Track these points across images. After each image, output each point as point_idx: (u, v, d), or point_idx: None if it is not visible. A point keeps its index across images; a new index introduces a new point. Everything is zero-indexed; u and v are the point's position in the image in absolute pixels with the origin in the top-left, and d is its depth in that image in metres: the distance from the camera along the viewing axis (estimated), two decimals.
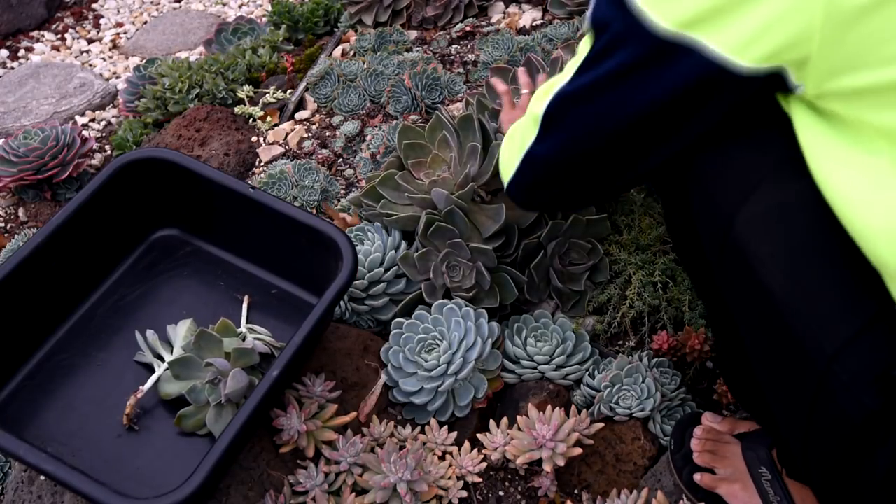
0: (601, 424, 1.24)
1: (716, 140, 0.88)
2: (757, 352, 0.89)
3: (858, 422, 0.76)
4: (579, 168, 0.96)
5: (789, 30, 0.72)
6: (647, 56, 0.79)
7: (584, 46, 0.89)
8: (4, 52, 2.50)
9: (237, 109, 1.90)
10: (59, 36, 2.61)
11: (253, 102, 1.93)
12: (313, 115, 1.86)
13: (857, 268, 0.76)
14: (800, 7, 0.71)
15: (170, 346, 1.27)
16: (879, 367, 0.74)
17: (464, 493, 1.21)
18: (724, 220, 0.84)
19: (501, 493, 1.24)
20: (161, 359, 1.26)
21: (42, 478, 1.21)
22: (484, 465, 1.23)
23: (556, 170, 0.98)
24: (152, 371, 1.24)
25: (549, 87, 0.94)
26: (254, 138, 1.84)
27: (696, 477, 1.16)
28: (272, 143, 1.82)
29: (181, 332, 1.27)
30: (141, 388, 1.21)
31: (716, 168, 0.87)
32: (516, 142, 1.03)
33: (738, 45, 0.74)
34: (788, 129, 0.81)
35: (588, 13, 0.86)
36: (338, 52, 2.02)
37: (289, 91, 1.95)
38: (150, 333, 1.28)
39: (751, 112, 0.85)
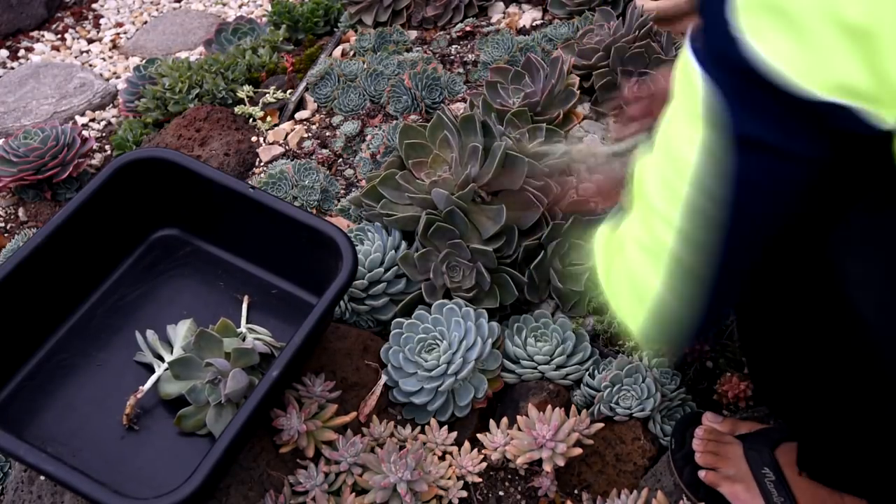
0: (601, 424, 1.24)
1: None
2: (820, 362, 0.87)
3: None
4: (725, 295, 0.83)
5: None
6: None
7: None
8: (4, 52, 2.50)
9: (237, 109, 1.90)
10: (59, 36, 2.61)
11: (253, 102, 1.93)
12: (313, 115, 1.86)
13: None
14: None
15: (170, 346, 1.27)
16: None
17: (464, 493, 1.21)
18: (817, 232, 0.80)
19: (501, 493, 1.24)
20: (161, 359, 1.26)
21: (42, 478, 1.21)
22: (484, 465, 1.23)
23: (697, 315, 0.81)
24: (152, 371, 1.24)
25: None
26: (254, 138, 1.84)
27: (701, 473, 1.16)
28: (272, 143, 1.82)
29: (181, 332, 1.27)
30: (141, 388, 1.21)
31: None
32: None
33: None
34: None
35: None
36: (338, 52, 2.02)
37: (289, 91, 1.95)
38: (149, 333, 1.28)
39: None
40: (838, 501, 1.09)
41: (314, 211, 1.60)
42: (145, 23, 2.63)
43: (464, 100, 1.77)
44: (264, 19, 2.31)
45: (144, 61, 2.20)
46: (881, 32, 0.59)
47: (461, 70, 1.88)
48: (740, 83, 0.67)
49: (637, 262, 0.82)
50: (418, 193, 1.40)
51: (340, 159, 1.74)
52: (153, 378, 1.23)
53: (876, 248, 0.77)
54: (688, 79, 0.72)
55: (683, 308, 0.79)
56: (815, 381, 0.91)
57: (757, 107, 0.68)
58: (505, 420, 1.26)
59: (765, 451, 1.14)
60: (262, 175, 1.68)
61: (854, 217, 0.78)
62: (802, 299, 0.87)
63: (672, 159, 0.75)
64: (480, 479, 1.23)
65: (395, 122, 1.73)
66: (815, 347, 0.88)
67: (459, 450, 1.24)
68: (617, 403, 1.28)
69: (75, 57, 2.50)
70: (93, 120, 2.18)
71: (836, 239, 0.79)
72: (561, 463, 1.17)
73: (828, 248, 0.80)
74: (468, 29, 1.98)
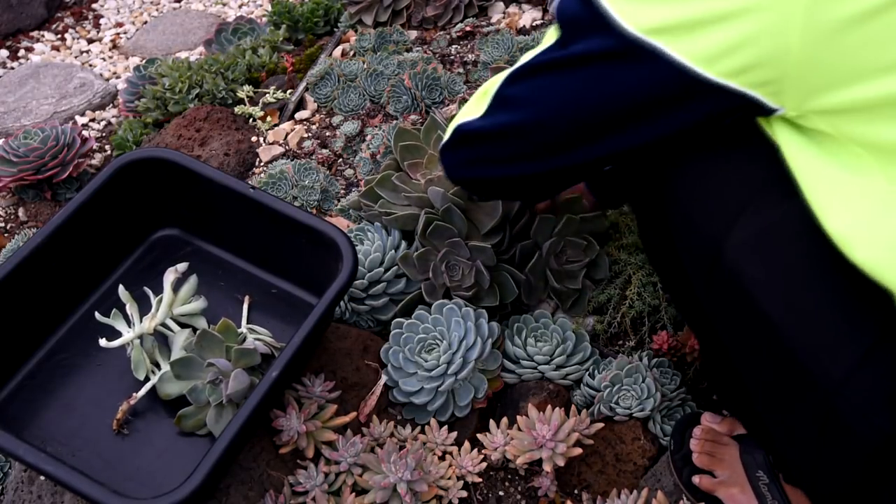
0: (601, 424, 1.24)
1: (691, 159, 0.86)
2: (753, 376, 0.88)
3: (874, 445, 0.75)
4: (516, 145, 0.94)
5: (761, 51, 0.72)
6: (614, 50, 0.80)
7: (550, 37, 0.89)
8: (4, 52, 2.50)
9: (237, 109, 1.90)
10: (59, 36, 2.61)
11: (253, 102, 1.93)
12: (313, 115, 1.86)
13: (856, 288, 0.74)
14: (773, 31, 0.70)
15: (168, 349, 1.27)
16: (892, 388, 0.73)
17: (464, 493, 1.21)
18: (712, 245, 0.83)
19: (501, 493, 1.24)
20: (158, 366, 1.25)
21: (42, 478, 1.21)
22: (484, 465, 1.23)
23: (490, 144, 0.97)
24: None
25: (510, 70, 0.94)
26: (254, 138, 1.84)
27: (696, 479, 1.16)
28: (272, 143, 1.82)
29: (179, 340, 1.26)
30: (135, 394, 1.21)
31: (696, 190, 0.86)
32: (457, 116, 1.02)
33: (705, 57, 0.75)
34: (770, 150, 0.80)
35: (553, 5, 0.86)
36: (338, 52, 2.02)
37: (289, 91, 1.95)
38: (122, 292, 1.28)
39: (728, 134, 0.84)
40: None
41: (314, 211, 1.61)
42: (145, 23, 2.63)
43: (464, 100, 1.77)
44: (264, 19, 2.31)
45: (144, 61, 2.20)
46: None
47: (461, 70, 1.88)
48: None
49: (473, 98, 1.01)
50: (415, 193, 1.40)
51: (340, 159, 1.74)
52: (148, 385, 1.22)
53: (773, 249, 0.79)
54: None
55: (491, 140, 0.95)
56: (748, 388, 0.91)
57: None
58: (505, 420, 1.26)
59: (759, 454, 1.14)
60: (262, 175, 1.68)
61: (747, 219, 0.81)
62: (712, 304, 0.89)
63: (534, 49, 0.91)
64: (480, 479, 1.23)
65: (395, 122, 1.73)
66: (737, 353, 0.88)
67: (459, 450, 1.24)
68: (617, 403, 1.28)
69: (75, 57, 2.50)
70: (93, 120, 2.18)
71: (732, 244, 0.81)
72: (561, 463, 1.17)
73: (724, 256, 0.81)
74: (468, 29, 1.98)
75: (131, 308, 1.26)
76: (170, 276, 1.28)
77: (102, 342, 1.22)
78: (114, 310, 1.26)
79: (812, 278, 0.77)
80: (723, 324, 0.89)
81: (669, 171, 0.89)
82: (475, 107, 0.98)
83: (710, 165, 0.85)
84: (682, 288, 0.99)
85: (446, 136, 1.03)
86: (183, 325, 1.28)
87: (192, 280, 1.30)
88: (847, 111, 0.72)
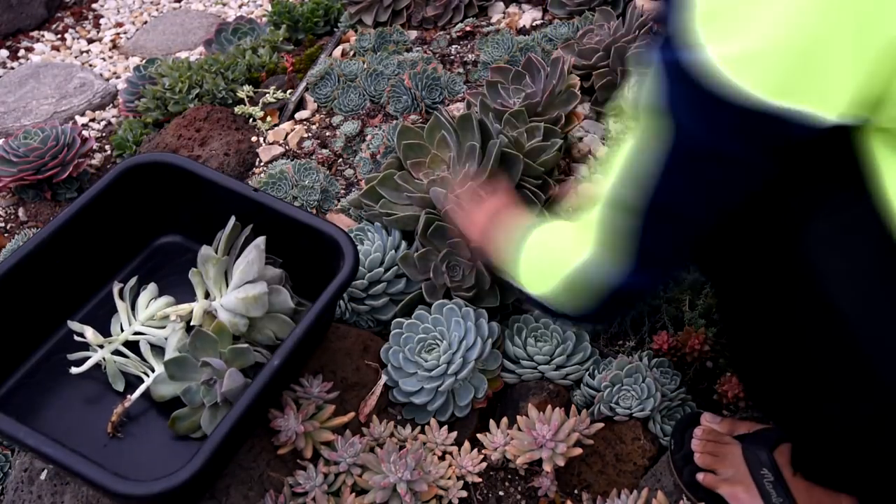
0: (601, 424, 1.24)
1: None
2: (802, 362, 0.88)
3: None
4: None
5: (873, 89, 0.70)
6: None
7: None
8: (4, 52, 2.50)
9: (237, 109, 1.90)
10: (59, 36, 2.61)
11: (253, 102, 1.93)
12: (313, 115, 1.86)
13: None
14: (873, 68, 0.69)
15: (161, 351, 1.27)
16: None
17: (464, 493, 1.21)
18: (790, 231, 0.83)
19: (501, 493, 1.24)
20: (152, 369, 1.25)
21: (42, 477, 1.21)
22: (484, 465, 1.23)
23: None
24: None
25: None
26: (254, 138, 1.84)
27: (699, 476, 1.16)
28: (272, 143, 1.82)
29: (173, 341, 1.26)
30: (129, 396, 1.21)
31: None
32: (561, 268, 0.94)
33: (832, 106, 0.71)
34: (846, 148, 0.79)
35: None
36: (338, 52, 2.02)
37: (289, 91, 1.95)
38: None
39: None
40: (836, 502, 1.09)
41: (314, 211, 1.60)
42: (145, 23, 2.63)
43: (463, 100, 1.77)
44: (264, 19, 2.31)
45: (144, 61, 2.20)
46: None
47: (461, 70, 1.88)
48: (689, 90, 0.73)
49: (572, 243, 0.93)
50: (417, 192, 1.40)
51: (340, 159, 1.74)
52: (143, 387, 1.22)
53: (850, 243, 0.80)
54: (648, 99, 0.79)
55: (602, 268, 0.89)
56: (798, 380, 0.91)
57: (705, 114, 0.74)
58: (505, 420, 1.26)
59: (763, 451, 1.14)
60: (262, 175, 1.68)
61: (825, 215, 0.81)
62: (780, 297, 0.89)
63: (622, 165, 0.84)
64: (480, 479, 1.23)
65: (395, 122, 1.73)
66: (796, 346, 0.89)
67: (459, 450, 1.24)
68: (617, 403, 1.28)
69: (75, 57, 2.50)
70: (93, 120, 2.18)
71: (809, 237, 0.81)
72: (561, 463, 1.17)
73: (801, 246, 0.82)
74: (468, 29, 1.98)
75: (121, 312, 1.27)
76: (115, 289, 1.29)
77: (73, 370, 1.24)
78: (83, 329, 1.26)
79: (886, 278, 0.78)
80: (781, 309, 0.89)
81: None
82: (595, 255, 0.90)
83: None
84: (726, 268, 0.98)
85: (587, 297, 0.94)
86: (160, 327, 1.28)
87: (152, 287, 1.31)
88: None
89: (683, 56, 0.72)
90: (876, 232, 0.77)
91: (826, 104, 0.70)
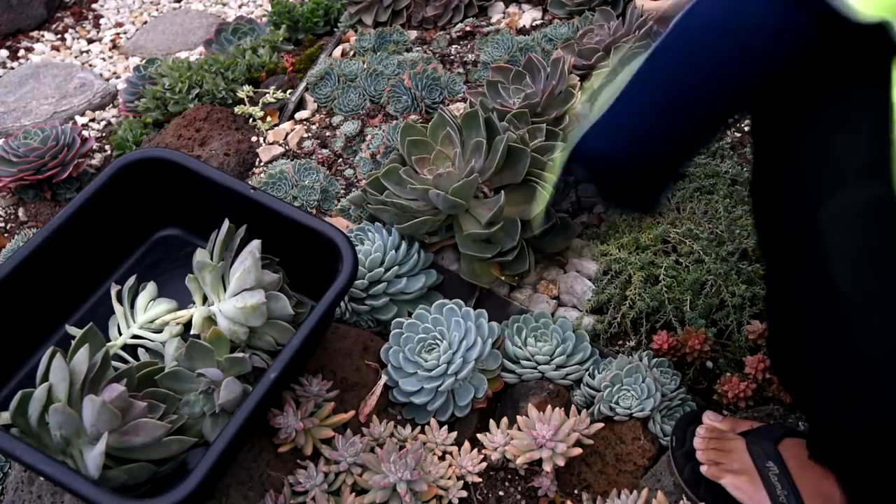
0: (601, 424, 1.24)
1: (822, 107, 0.87)
2: (812, 336, 0.88)
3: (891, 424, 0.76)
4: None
5: None
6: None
7: None
8: (4, 52, 2.50)
9: (237, 109, 1.90)
10: (59, 36, 2.61)
11: (253, 102, 1.93)
12: (313, 115, 1.86)
13: None
14: None
15: (158, 355, 1.27)
16: None
17: (464, 493, 1.21)
18: (811, 206, 0.84)
19: (501, 493, 1.24)
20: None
21: (42, 478, 1.21)
22: (484, 465, 1.23)
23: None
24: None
25: None
26: (254, 138, 1.84)
27: (703, 468, 1.16)
28: (272, 143, 1.82)
29: (170, 350, 1.25)
30: None
31: (813, 150, 0.86)
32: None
33: None
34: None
35: None
36: (338, 52, 2.02)
37: (289, 91, 1.95)
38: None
39: (854, 74, 0.85)
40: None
41: (314, 211, 1.60)
42: (145, 23, 2.63)
43: (464, 100, 1.77)
44: (264, 19, 2.31)
45: (144, 61, 2.20)
46: None
47: (461, 70, 1.88)
48: None
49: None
50: (421, 186, 1.40)
51: (340, 159, 1.74)
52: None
53: (860, 222, 0.80)
54: None
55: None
56: (812, 360, 0.91)
57: None
58: (505, 420, 1.26)
59: (767, 444, 1.14)
60: (262, 175, 1.68)
61: (845, 189, 0.81)
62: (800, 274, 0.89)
63: None
64: (480, 479, 1.23)
65: (395, 122, 1.73)
66: (810, 326, 0.89)
67: (459, 450, 1.24)
68: (617, 403, 1.28)
69: (75, 57, 2.50)
70: (93, 120, 2.18)
71: (825, 212, 0.82)
72: (561, 463, 1.17)
73: (817, 222, 0.82)
74: (468, 29, 1.98)
75: (119, 316, 1.26)
76: (113, 290, 1.29)
77: None
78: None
79: (888, 262, 0.78)
80: (801, 283, 0.89)
81: (804, 111, 0.89)
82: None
83: (832, 122, 0.86)
84: (776, 240, 0.99)
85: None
86: (158, 331, 1.28)
87: (151, 287, 1.30)
88: None
89: None
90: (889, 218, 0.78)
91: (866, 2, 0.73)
